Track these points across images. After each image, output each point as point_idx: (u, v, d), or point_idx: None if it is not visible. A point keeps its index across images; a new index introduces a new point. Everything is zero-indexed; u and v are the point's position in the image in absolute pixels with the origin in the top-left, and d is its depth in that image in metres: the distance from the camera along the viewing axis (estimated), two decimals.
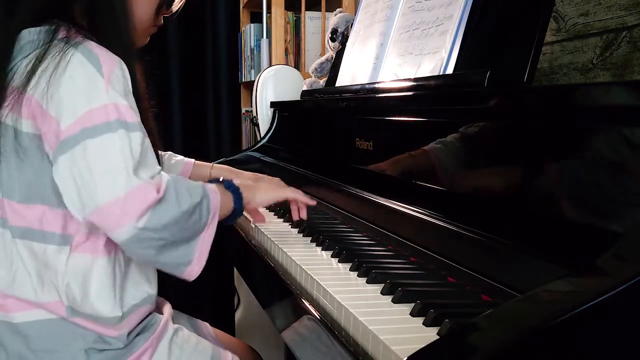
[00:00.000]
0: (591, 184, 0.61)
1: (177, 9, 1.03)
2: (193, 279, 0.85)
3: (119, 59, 0.85)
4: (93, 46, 0.84)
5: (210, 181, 0.97)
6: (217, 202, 0.87)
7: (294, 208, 1.07)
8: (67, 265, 0.84)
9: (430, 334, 0.58)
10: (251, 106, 1.99)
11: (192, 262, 0.83)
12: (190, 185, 0.85)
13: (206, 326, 1.11)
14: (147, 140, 0.83)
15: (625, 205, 0.57)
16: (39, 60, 0.82)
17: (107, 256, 0.86)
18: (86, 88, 0.80)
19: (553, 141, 0.68)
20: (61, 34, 0.85)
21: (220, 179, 0.97)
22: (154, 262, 0.85)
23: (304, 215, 1.07)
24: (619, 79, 0.95)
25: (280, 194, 1.05)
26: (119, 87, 0.82)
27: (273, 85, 1.90)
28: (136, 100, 0.86)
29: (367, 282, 0.75)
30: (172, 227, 0.79)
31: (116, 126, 0.79)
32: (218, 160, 1.67)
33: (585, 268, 0.51)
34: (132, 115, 0.81)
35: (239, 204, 0.94)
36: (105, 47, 0.85)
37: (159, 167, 0.84)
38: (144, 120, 0.87)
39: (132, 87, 0.85)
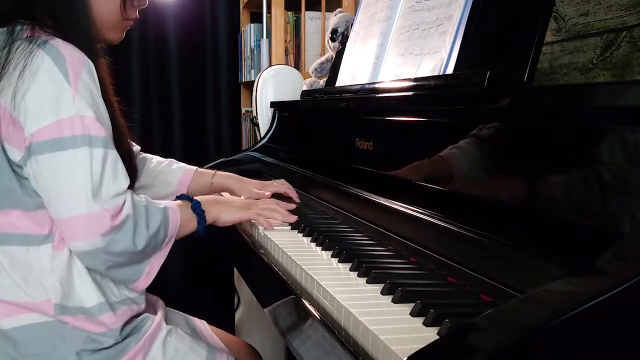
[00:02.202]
0: (591, 184, 0.61)
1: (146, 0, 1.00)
2: (140, 290, 0.91)
3: (85, 57, 0.85)
4: (59, 44, 0.83)
5: (179, 197, 1.00)
6: (177, 225, 0.92)
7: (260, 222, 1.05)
8: (52, 262, 0.85)
9: (430, 334, 0.58)
10: (251, 106, 1.99)
11: (139, 279, 0.89)
12: (150, 213, 0.87)
13: (203, 324, 1.11)
14: (113, 154, 0.85)
15: (625, 205, 0.57)
16: (3, 64, 0.82)
17: None
18: (54, 97, 0.80)
19: (553, 141, 0.68)
20: (25, 33, 0.85)
21: (190, 197, 1.00)
22: (104, 274, 0.88)
23: (292, 219, 1.07)
24: (619, 79, 0.95)
25: (244, 215, 1.05)
26: (86, 94, 0.83)
27: (273, 85, 1.89)
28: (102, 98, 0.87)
29: (367, 282, 0.75)
30: (122, 256, 0.84)
31: (80, 142, 0.81)
32: (218, 161, 1.68)
33: (585, 268, 0.51)
34: (98, 129, 0.83)
35: (202, 225, 0.98)
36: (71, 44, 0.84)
37: (126, 184, 0.86)
38: (112, 117, 0.88)
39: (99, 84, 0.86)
